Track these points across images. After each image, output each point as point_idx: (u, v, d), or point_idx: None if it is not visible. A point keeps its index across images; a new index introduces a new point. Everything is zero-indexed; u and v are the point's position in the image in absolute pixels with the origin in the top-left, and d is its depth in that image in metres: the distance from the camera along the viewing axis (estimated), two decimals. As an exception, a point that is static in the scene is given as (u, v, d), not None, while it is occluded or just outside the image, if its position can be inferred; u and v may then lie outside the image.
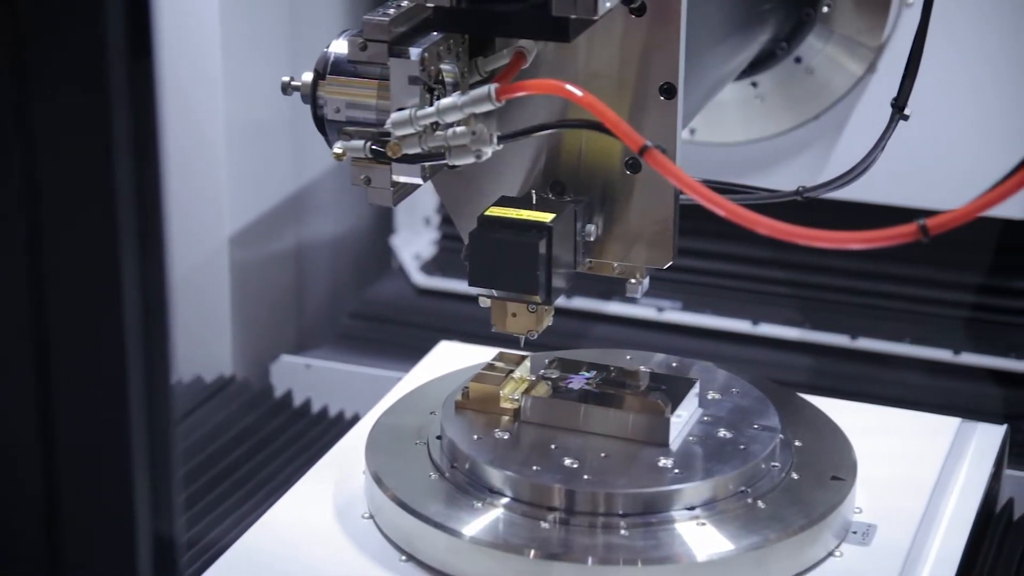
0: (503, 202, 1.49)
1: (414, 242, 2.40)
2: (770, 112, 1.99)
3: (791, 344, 2.15)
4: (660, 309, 2.21)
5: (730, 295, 2.20)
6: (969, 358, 2.07)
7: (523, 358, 1.62)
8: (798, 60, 1.94)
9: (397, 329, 2.29)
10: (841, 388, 2.01)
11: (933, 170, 1.99)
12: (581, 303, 2.24)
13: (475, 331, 1.95)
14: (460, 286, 2.24)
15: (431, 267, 2.36)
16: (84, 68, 0.87)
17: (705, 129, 2.02)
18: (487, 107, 1.35)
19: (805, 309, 2.17)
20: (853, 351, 2.12)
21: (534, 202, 1.49)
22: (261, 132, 2.18)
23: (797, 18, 1.92)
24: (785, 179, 1.99)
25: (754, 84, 1.97)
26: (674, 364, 1.66)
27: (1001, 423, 1.74)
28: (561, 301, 2.22)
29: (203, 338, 2.19)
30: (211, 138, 2.12)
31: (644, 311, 2.21)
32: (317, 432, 2.06)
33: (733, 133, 2.02)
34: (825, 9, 1.91)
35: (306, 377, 2.19)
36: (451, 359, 1.83)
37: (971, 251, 2.09)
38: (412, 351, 1.96)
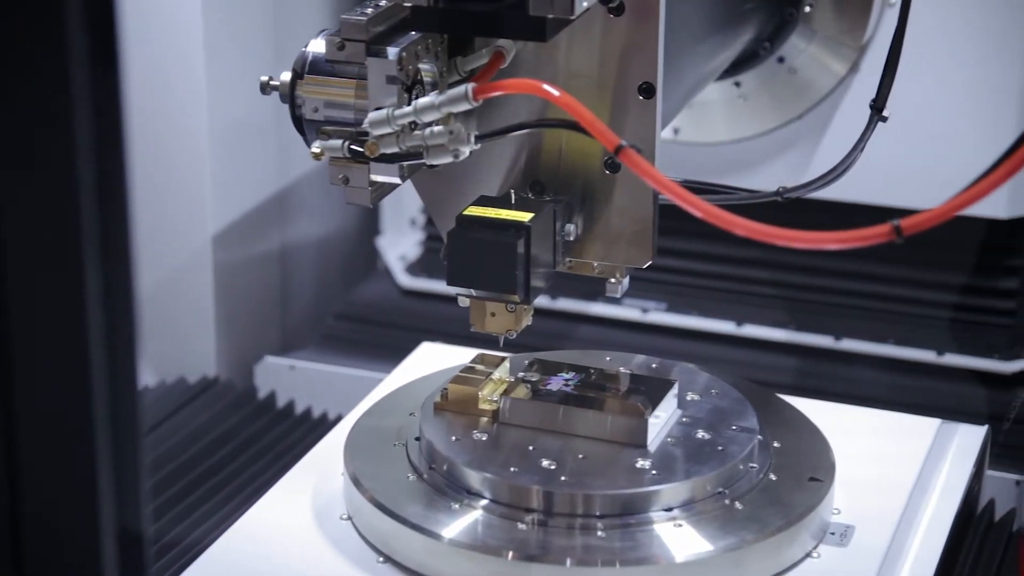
0: (482, 201, 1.49)
1: (400, 243, 2.39)
2: (754, 112, 1.99)
3: (775, 345, 2.14)
4: (645, 310, 2.21)
5: (715, 296, 2.19)
6: (953, 359, 2.07)
7: (502, 359, 1.61)
8: (781, 60, 1.94)
9: (382, 330, 2.29)
10: (825, 389, 2.01)
11: (918, 169, 1.99)
12: (565, 304, 2.23)
13: (460, 332, 1.94)
14: (445, 287, 2.23)
15: (416, 268, 2.35)
16: (46, 81, 0.86)
17: (689, 129, 2.01)
18: (464, 106, 1.35)
19: (789, 310, 2.16)
20: (837, 352, 2.12)
21: (513, 201, 1.48)
22: (245, 131, 2.17)
23: (780, 18, 1.92)
24: (769, 178, 1.99)
25: (737, 84, 1.97)
26: (654, 365, 1.66)
27: (984, 424, 1.74)
28: (545, 302, 2.22)
29: (187, 339, 2.18)
30: (194, 137, 2.11)
31: (629, 312, 2.21)
32: (300, 433, 2.05)
33: (717, 133, 2.02)
34: (807, 9, 1.91)
35: (290, 378, 2.19)
36: (433, 360, 1.83)
37: (955, 251, 2.09)
38: (396, 352, 1.96)
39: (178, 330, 2.18)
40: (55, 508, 0.93)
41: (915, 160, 1.99)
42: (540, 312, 2.20)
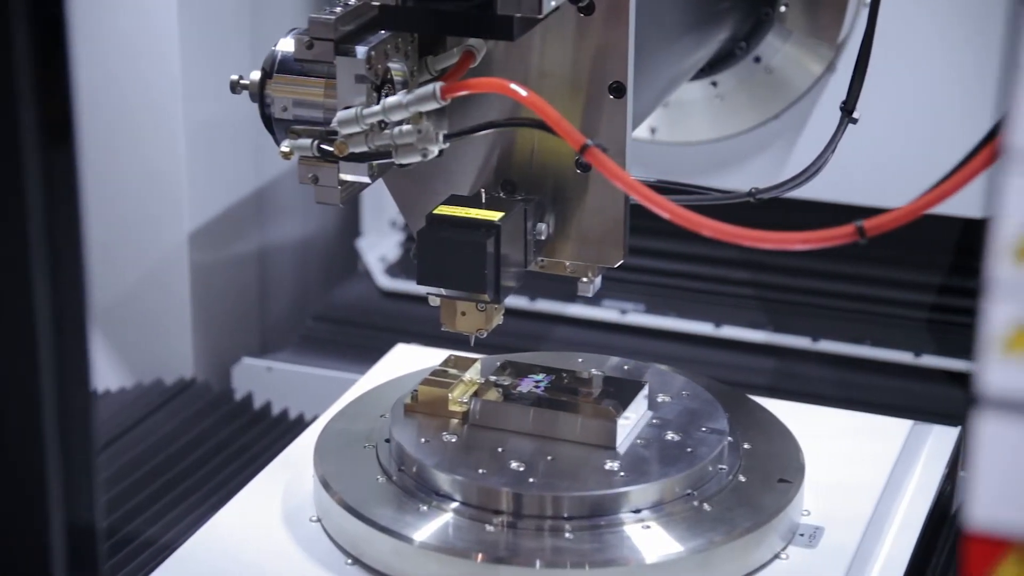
0: (453, 201, 1.48)
1: (380, 244, 2.38)
2: (731, 111, 1.98)
3: (753, 346, 2.14)
4: (623, 311, 2.20)
5: (693, 297, 2.19)
6: (930, 360, 2.06)
7: (474, 361, 1.61)
8: (757, 59, 1.94)
9: (360, 332, 2.28)
10: (803, 391, 2.00)
11: (898, 168, 1.99)
12: (544, 305, 2.23)
13: (440, 334, 1.94)
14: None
15: (396, 269, 2.34)
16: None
17: (666, 128, 2.01)
18: (432, 105, 1.34)
19: (767, 311, 2.16)
20: (815, 353, 2.11)
21: (484, 201, 1.48)
22: (221, 129, 2.16)
23: (756, 17, 1.91)
24: (747, 177, 1.99)
25: (714, 83, 1.96)
26: (626, 367, 1.65)
27: (960, 425, 1.73)
28: (523, 303, 2.21)
29: (163, 340, 2.17)
30: (170, 134, 2.10)
31: (607, 313, 2.20)
32: (276, 435, 2.04)
33: (694, 132, 2.01)
34: (783, 8, 1.90)
35: (267, 380, 2.18)
36: (407, 362, 1.82)
37: (932, 251, 2.08)
38: (375, 354, 1.95)
39: (155, 331, 2.17)
40: (2, 501, 0.93)
41: (896, 159, 1.98)
42: (518, 313, 2.21)
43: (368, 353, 2.08)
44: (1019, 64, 0.70)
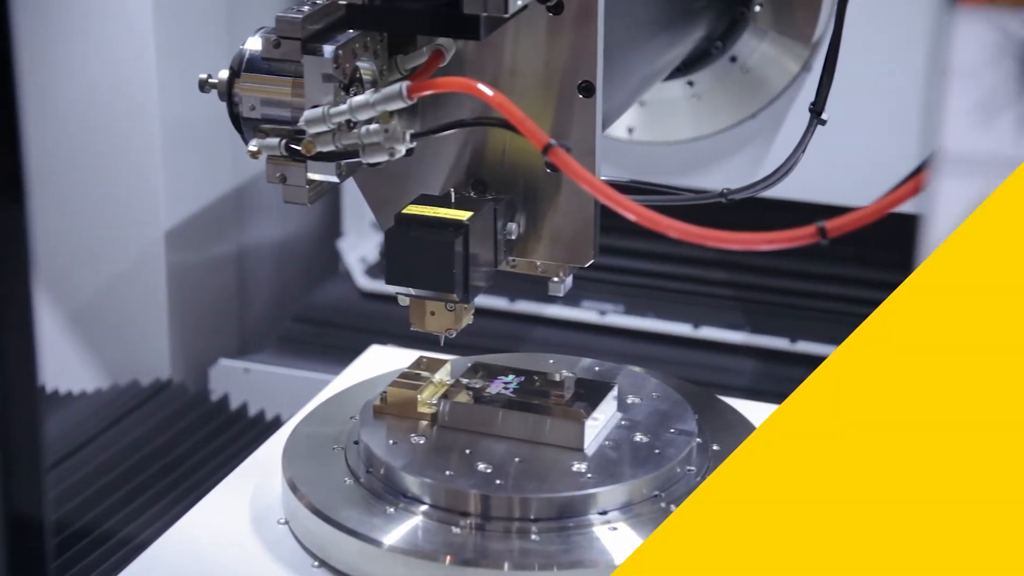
0: (422, 200, 1.47)
1: (361, 245, 2.38)
2: (707, 111, 1.98)
3: (732, 347, 2.13)
4: (602, 312, 2.19)
5: (672, 298, 2.18)
6: (906, 361, 2.05)
7: (444, 362, 1.60)
8: (733, 59, 1.93)
9: (340, 332, 2.27)
10: (781, 391, 1.99)
11: (870, 168, 1.98)
12: (523, 306, 2.22)
13: (419, 335, 1.94)
14: (403, 289, 2.22)
15: (376, 271, 2.34)
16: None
17: (642, 128, 2.00)
18: (399, 105, 1.34)
19: (746, 312, 2.15)
20: (792, 354, 2.11)
21: (453, 200, 1.46)
22: (198, 127, 2.15)
23: (731, 17, 1.90)
24: (724, 177, 1.99)
25: (691, 83, 1.95)
26: (597, 368, 1.64)
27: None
28: (503, 304, 2.21)
29: (140, 341, 2.17)
30: (146, 131, 2.09)
31: (586, 314, 2.20)
32: (252, 436, 2.04)
33: (670, 132, 2.01)
34: (758, 8, 1.90)
35: (244, 381, 2.17)
36: (381, 363, 1.81)
37: (911, 252, 2.07)
38: (354, 355, 1.94)
39: (131, 332, 2.16)
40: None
41: (870, 158, 1.98)
42: (497, 314, 2.20)
43: (347, 354, 2.07)
44: (946, 68, 0.69)
